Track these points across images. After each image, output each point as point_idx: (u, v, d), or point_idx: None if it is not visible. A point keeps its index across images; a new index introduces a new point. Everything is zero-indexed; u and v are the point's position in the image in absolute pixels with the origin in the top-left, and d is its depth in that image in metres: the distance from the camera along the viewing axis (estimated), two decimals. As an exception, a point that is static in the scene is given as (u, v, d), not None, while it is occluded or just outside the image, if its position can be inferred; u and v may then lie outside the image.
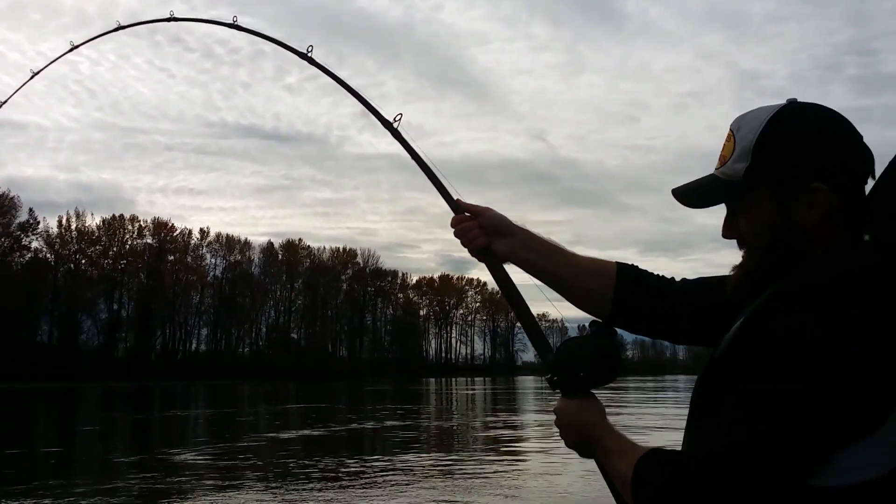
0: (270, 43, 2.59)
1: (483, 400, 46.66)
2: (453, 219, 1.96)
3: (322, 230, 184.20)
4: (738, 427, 1.22)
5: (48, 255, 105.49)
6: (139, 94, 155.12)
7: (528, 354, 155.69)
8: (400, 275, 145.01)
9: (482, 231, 1.90)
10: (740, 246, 1.50)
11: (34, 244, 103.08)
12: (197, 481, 14.46)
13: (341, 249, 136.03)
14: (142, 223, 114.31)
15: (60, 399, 53.25)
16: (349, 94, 2.40)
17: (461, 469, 15.36)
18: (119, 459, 18.61)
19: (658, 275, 1.87)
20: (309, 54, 2.46)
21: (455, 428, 26.77)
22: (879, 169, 1.42)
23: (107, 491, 13.27)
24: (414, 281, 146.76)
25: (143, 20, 3.10)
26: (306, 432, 25.15)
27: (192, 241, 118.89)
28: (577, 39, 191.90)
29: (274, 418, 33.31)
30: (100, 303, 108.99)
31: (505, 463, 16.23)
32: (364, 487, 13.33)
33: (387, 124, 2.21)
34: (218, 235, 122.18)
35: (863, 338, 1.19)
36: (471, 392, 62.01)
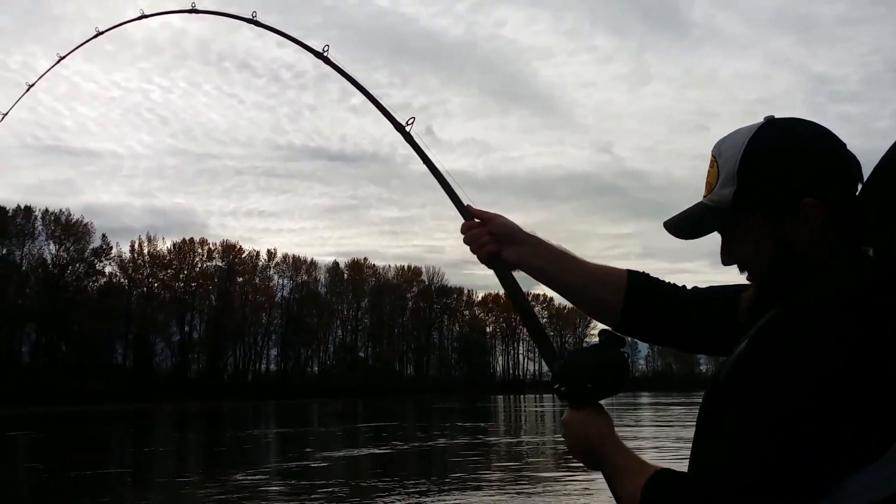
0: (290, 42, 2.52)
1: (552, 417, 46.15)
2: (463, 225, 1.95)
3: (389, 249, 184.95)
4: (743, 449, 1.20)
5: (122, 280, 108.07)
6: (210, 120, 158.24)
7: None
8: (466, 292, 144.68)
9: (492, 238, 1.89)
10: (741, 270, 1.48)
11: (108, 269, 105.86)
12: (272, 500, 14.51)
13: (406, 268, 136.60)
14: (211, 246, 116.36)
15: (135, 421, 54.26)
16: (370, 102, 2.31)
17: (533, 486, 15.17)
18: (193, 479, 18.80)
19: (669, 282, 1.84)
20: (325, 53, 2.40)
21: (525, 445, 26.51)
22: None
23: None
24: (480, 298, 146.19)
25: (166, 11, 3.00)
26: (377, 450, 25.15)
27: (260, 263, 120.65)
28: (642, 49, 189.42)
29: (345, 436, 33.43)
30: (172, 325, 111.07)
31: (576, 482, 15.98)
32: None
33: (399, 128, 2.16)
34: (285, 256, 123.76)
35: (869, 358, 1.17)
36: (539, 409, 61.45)
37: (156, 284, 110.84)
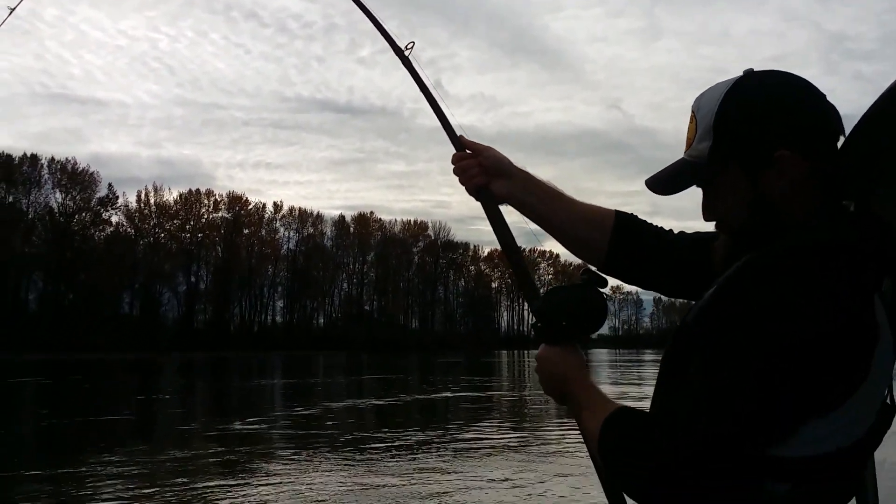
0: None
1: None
2: (454, 156, 1.92)
3: (396, 203, 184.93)
4: (705, 393, 1.20)
5: (129, 230, 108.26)
6: (217, 70, 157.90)
7: (603, 327, 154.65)
8: (472, 247, 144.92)
9: (482, 170, 1.86)
10: (719, 228, 1.48)
11: (114, 218, 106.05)
12: (274, 449, 14.52)
13: (412, 222, 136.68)
14: (217, 197, 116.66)
15: (141, 369, 54.58)
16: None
17: (535, 438, 15.15)
18: (198, 428, 18.85)
19: (657, 226, 1.82)
20: None
21: (528, 399, 26.54)
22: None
23: (186, 458, 13.38)
24: (486, 253, 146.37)
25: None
26: (379, 402, 25.22)
27: (266, 215, 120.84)
28: (655, 3, 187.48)
29: (350, 388, 33.57)
30: (178, 275, 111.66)
31: (577, 434, 15.91)
32: (440, 456, 13.20)
33: (398, 51, 2.11)
34: (291, 209, 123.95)
35: (837, 310, 1.18)
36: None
37: (162, 235, 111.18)
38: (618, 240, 1.77)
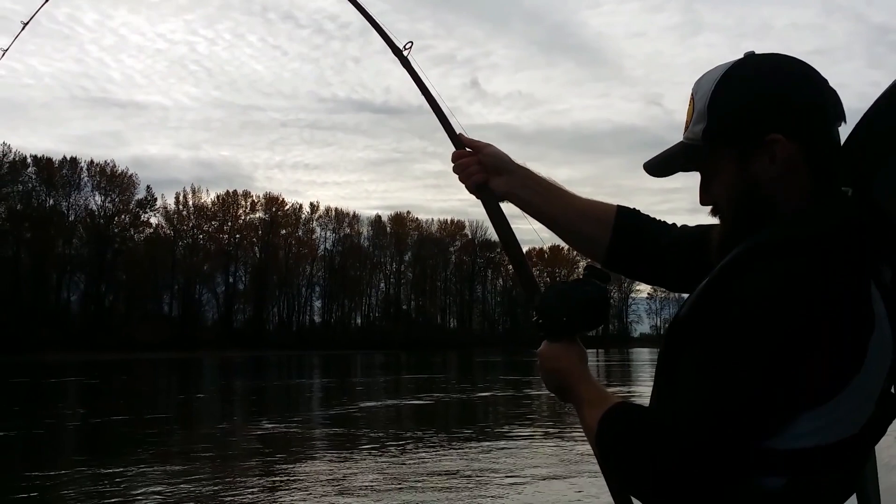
0: None
1: (596, 372, 45.77)
2: (454, 154, 1.92)
3: (433, 202, 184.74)
4: (696, 388, 1.20)
5: (168, 231, 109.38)
6: (254, 71, 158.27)
7: (644, 326, 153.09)
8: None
9: (481, 167, 1.85)
10: (714, 212, 1.44)
11: (153, 220, 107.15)
12: (312, 447, 14.39)
13: (449, 221, 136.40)
14: (254, 198, 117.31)
15: (181, 369, 55.00)
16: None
17: (571, 437, 14.86)
18: (236, 426, 18.82)
19: (659, 220, 1.81)
20: None
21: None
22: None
23: (224, 457, 13.29)
24: (524, 252, 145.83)
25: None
26: (418, 401, 25.06)
27: (303, 216, 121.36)
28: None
29: (388, 387, 33.47)
30: (217, 276, 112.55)
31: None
32: (482, 452, 12.97)
33: (396, 52, 2.07)
34: (327, 209, 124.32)
35: (826, 301, 1.17)
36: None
37: (201, 236, 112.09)
38: (619, 235, 1.76)
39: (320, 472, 11.63)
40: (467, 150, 1.90)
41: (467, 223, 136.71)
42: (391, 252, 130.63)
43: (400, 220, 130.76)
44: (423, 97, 2.04)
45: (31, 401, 27.48)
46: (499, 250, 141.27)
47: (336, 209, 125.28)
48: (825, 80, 1.37)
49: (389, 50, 2.11)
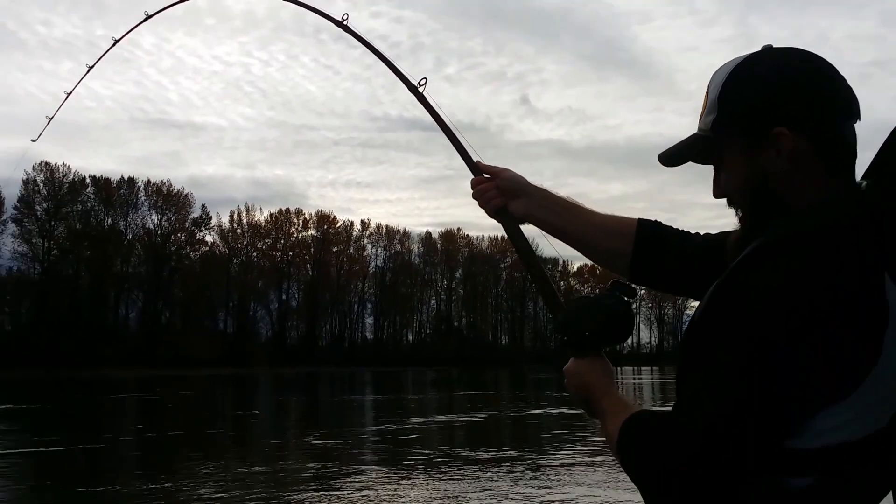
0: (313, 14, 2.52)
1: (650, 390, 45.28)
2: (472, 180, 1.98)
3: (485, 219, 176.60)
4: (707, 387, 1.20)
5: (223, 249, 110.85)
6: (307, 91, 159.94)
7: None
8: (561, 262, 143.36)
9: (499, 192, 1.91)
10: (729, 205, 1.44)
11: (209, 238, 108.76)
12: (364, 463, 14.43)
13: (500, 237, 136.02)
14: (306, 216, 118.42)
15: (238, 385, 55.56)
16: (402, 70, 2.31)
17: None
18: (289, 442, 18.94)
19: (681, 230, 1.82)
20: (345, 22, 2.40)
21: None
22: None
23: (277, 472, 13.38)
24: (575, 268, 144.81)
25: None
26: (471, 417, 25.00)
27: (354, 233, 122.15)
28: (748, 10, 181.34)
29: (440, 403, 33.44)
30: (270, 293, 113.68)
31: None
32: (532, 471, 12.89)
33: (412, 88, 2.17)
34: (378, 226, 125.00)
35: (834, 295, 1.16)
36: (637, 381, 60.51)
37: (254, 254, 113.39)
38: (641, 247, 1.77)
39: (371, 488, 11.65)
40: (485, 176, 1.96)
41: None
42: (442, 269, 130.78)
43: (450, 236, 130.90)
44: (445, 123, 2.13)
45: (91, 416, 27.99)
46: (550, 266, 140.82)
47: (386, 226, 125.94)
48: (840, 77, 1.35)
49: (408, 83, 2.19)
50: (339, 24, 2.40)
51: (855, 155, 1.34)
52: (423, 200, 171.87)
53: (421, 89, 2.15)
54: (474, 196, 1.96)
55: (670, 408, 1.30)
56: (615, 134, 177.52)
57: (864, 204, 1.27)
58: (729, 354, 1.18)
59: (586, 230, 1.83)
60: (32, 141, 3.47)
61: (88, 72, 3.28)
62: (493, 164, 1.98)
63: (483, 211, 1.96)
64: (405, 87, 2.20)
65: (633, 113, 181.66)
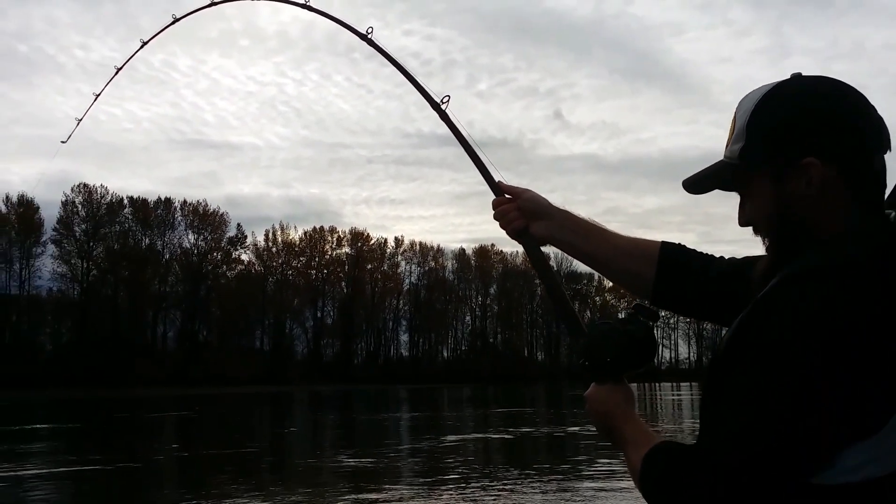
0: (340, 26, 2.51)
1: (690, 406, 44.71)
2: (494, 201, 1.97)
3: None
4: (732, 420, 1.19)
5: (259, 267, 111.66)
6: (341, 110, 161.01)
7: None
8: (596, 277, 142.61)
9: (520, 213, 1.90)
10: (755, 232, 1.42)
11: (244, 256, 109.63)
12: (401, 482, 14.37)
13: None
14: (340, 234, 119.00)
15: (274, 403, 55.74)
16: (414, 81, 2.30)
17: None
18: (325, 461, 18.92)
19: (705, 254, 1.79)
20: (370, 35, 2.37)
21: (662, 434, 25.65)
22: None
23: (312, 492, 13.35)
24: (610, 284, 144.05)
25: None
26: (506, 436, 24.85)
27: (388, 250, 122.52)
28: (782, 21, 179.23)
29: (476, 421, 33.31)
30: (306, 311, 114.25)
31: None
32: (566, 491, 12.75)
33: (435, 106, 2.15)
34: (412, 243, 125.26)
35: (868, 329, 1.14)
36: (676, 397, 59.78)
37: (290, 272, 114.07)
38: (664, 270, 1.75)
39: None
40: (506, 196, 1.94)
41: (552, 255, 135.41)
42: (476, 285, 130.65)
43: (484, 252, 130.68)
44: (467, 141, 2.11)
45: (130, 435, 28.23)
46: (585, 282, 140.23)
47: (420, 243, 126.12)
48: (871, 106, 1.35)
49: (429, 104, 2.18)
50: (363, 37, 2.38)
51: (884, 186, 1.33)
52: (458, 217, 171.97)
53: (444, 106, 2.14)
54: (495, 217, 1.95)
55: (694, 441, 1.29)
56: (649, 147, 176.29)
57: (890, 236, 1.25)
58: (757, 388, 1.17)
59: (608, 252, 1.82)
60: (62, 143, 3.49)
61: (117, 73, 3.25)
62: (514, 185, 1.96)
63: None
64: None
65: (668, 126, 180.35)
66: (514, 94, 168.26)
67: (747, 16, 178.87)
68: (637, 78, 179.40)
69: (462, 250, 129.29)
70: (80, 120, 3.40)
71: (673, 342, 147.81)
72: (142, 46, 3.10)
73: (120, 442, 24.80)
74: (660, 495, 1.29)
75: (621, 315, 1.62)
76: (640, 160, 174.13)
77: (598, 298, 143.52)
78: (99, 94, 3.37)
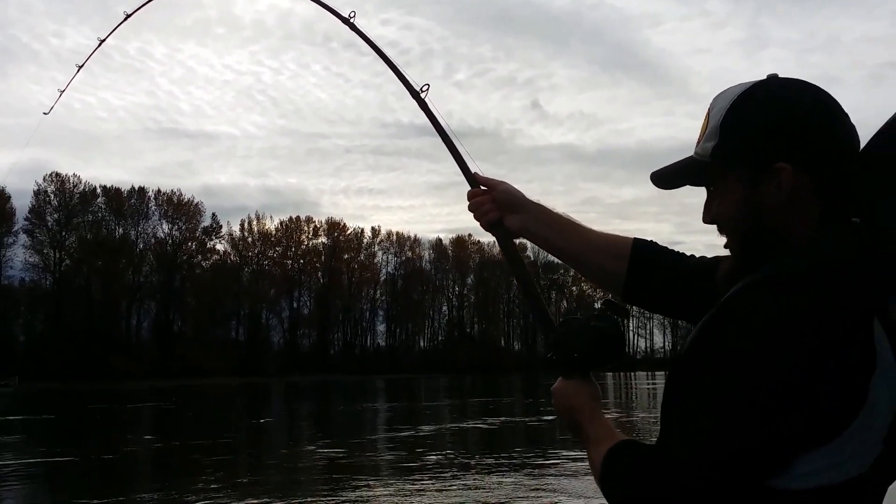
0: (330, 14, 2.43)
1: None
2: (469, 192, 1.95)
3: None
4: (695, 424, 1.19)
5: (234, 258, 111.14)
6: (318, 100, 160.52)
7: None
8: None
9: (495, 205, 1.89)
10: (720, 231, 1.42)
11: (220, 247, 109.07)
12: (378, 472, 14.36)
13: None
14: (317, 224, 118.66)
15: (249, 394, 55.57)
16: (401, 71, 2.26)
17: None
18: (301, 450, 18.89)
19: (676, 251, 1.80)
20: (352, 20, 2.34)
21: (636, 422, 25.85)
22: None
23: (294, 481, 13.33)
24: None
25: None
26: (484, 426, 24.94)
27: (365, 240, 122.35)
28: (759, 12, 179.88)
29: (453, 411, 33.39)
30: (282, 301, 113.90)
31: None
32: (545, 476, 12.82)
33: (415, 94, 2.14)
34: (389, 233, 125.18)
35: (822, 338, 1.14)
36: (651, 386, 60.24)
37: (266, 262, 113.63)
38: (635, 267, 1.75)
39: (385, 495, 11.59)
40: (482, 188, 1.93)
41: (529, 245, 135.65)
42: (453, 275, 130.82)
43: (461, 242, 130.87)
44: (444, 131, 2.08)
45: (105, 427, 28.04)
46: (562, 272, 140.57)
47: (397, 233, 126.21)
48: (844, 112, 1.34)
49: (409, 89, 2.15)
50: (345, 20, 2.35)
51: (854, 193, 1.31)
52: (435, 207, 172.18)
53: (423, 95, 2.11)
54: (470, 208, 1.93)
55: (654, 441, 1.29)
56: (627, 138, 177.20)
57: (857, 243, 1.25)
58: (719, 393, 1.17)
59: (581, 247, 1.81)
60: (45, 114, 3.43)
61: (101, 44, 3.19)
62: (490, 177, 1.94)
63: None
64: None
65: (645, 116, 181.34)
66: (492, 85, 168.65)
67: (724, 7, 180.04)
68: (615, 69, 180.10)
69: (439, 240, 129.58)
70: (63, 91, 3.35)
71: (648, 331, 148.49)
72: (125, 19, 3.06)
73: (94, 433, 24.62)
74: (617, 493, 1.29)
75: (596, 306, 1.60)
76: (618, 151, 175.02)
77: (574, 288, 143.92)
78: (82, 66, 3.31)
